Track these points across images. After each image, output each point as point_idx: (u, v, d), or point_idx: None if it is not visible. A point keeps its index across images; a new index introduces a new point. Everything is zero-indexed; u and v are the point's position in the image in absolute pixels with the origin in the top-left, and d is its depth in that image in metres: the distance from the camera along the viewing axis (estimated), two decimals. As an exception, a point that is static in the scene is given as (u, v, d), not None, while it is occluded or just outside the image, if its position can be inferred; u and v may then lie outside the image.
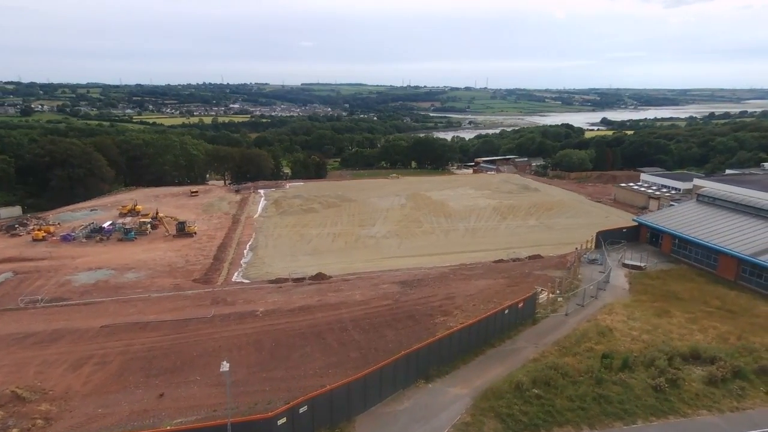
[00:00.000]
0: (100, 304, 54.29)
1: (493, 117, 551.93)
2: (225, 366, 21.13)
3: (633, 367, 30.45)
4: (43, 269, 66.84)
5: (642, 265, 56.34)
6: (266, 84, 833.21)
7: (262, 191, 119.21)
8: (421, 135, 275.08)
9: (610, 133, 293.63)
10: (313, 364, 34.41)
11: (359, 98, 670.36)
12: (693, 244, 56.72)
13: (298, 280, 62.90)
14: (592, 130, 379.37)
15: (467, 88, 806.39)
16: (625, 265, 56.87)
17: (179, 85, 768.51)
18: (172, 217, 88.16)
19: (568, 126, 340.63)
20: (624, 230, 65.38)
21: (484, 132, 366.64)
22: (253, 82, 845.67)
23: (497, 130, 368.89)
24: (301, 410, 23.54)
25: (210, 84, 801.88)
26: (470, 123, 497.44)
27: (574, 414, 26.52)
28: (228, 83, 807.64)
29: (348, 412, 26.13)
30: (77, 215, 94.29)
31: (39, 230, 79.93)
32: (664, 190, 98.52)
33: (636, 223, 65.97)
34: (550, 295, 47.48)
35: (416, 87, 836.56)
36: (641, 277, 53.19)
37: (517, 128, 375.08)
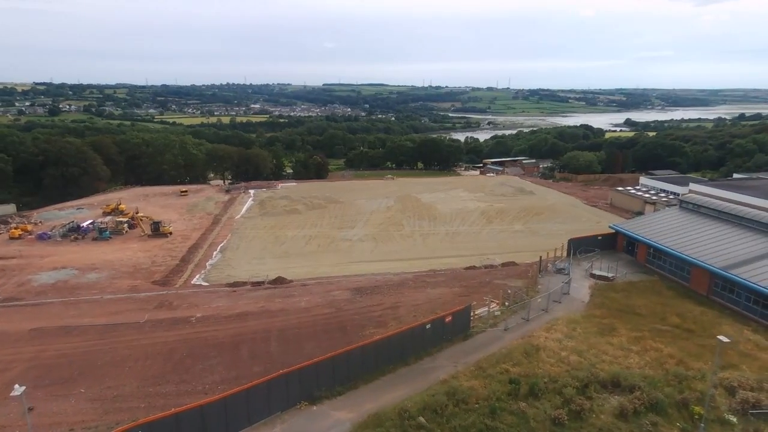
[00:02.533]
0: (48, 306, 53.59)
1: (514, 118, 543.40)
2: (17, 390, 19.23)
3: (540, 395, 27.46)
4: (9, 268, 66.92)
5: (610, 276, 52.63)
6: (288, 84, 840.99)
7: (252, 191, 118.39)
8: (434, 136, 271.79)
9: (630, 134, 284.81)
10: (210, 378, 32.50)
11: (379, 98, 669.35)
12: (667, 255, 52.70)
13: (257, 284, 61.30)
14: (614, 131, 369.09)
15: (489, 89, 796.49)
16: (592, 276, 53.35)
17: (203, 85, 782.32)
18: (148, 217, 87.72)
19: (586, 127, 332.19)
20: (599, 238, 61.46)
21: (500, 133, 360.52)
22: (275, 83, 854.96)
23: (515, 131, 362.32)
24: (134, 436, 21.53)
25: (233, 84, 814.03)
26: (489, 124, 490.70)
27: (451, 448, 23.82)
28: (250, 84, 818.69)
29: (204, 437, 24.00)
30: (62, 214, 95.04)
31: (15, 228, 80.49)
32: (662, 194, 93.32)
33: (613, 231, 61.99)
34: (499, 307, 44.53)
35: (437, 87, 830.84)
36: (606, 289, 49.55)
37: (535, 129, 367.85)
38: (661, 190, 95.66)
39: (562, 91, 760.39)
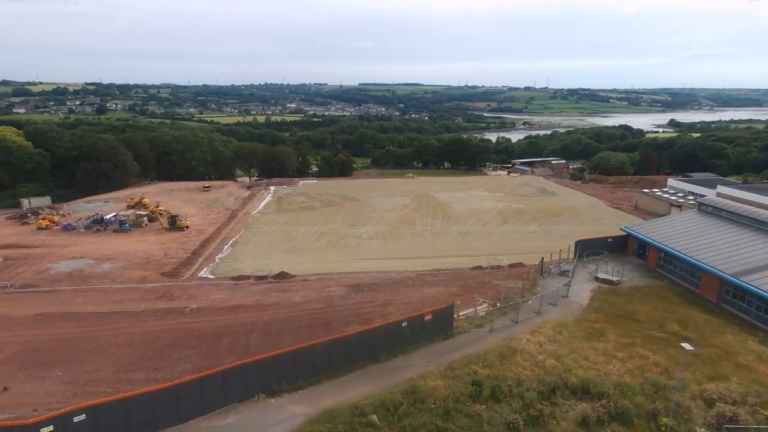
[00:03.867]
0: (58, 293, 55.78)
1: (551, 118, 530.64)
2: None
3: (501, 398, 26.43)
4: (32, 256, 70.21)
5: (614, 279, 50.48)
6: (324, 84, 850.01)
7: (272, 188, 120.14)
8: (464, 136, 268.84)
9: (672, 135, 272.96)
10: (182, 368, 32.94)
11: (414, 98, 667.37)
12: (677, 259, 50.03)
13: (260, 278, 61.96)
14: (656, 132, 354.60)
15: (527, 88, 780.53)
16: (596, 279, 51.26)
17: (242, 85, 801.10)
18: (167, 211, 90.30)
19: (625, 127, 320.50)
20: (609, 240, 59.02)
21: (535, 133, 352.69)
22: (312, 83, 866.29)
23: (550, 132, 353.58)
24: (77, 419, 21.98)
25: (271, 84, 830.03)
26: (525, 124, 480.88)
27: (396, 447, 23.20)
28: (288, 84, 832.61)
29: (153, 424, 24.28)
30: (89, 206, 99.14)
31: (43, 219, 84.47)
32: (690, 197, 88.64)
33: (624, 233, 59.36)
34: (488, 307, 43.35)
35: (473, 87, 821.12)
36: (608, 293, 47.53)
37: (571, 129, 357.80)
38: (689, 192, 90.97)
39: (603, 90, 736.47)
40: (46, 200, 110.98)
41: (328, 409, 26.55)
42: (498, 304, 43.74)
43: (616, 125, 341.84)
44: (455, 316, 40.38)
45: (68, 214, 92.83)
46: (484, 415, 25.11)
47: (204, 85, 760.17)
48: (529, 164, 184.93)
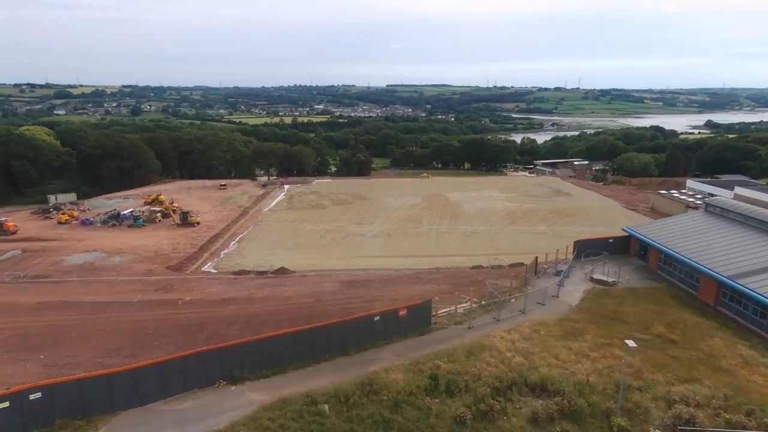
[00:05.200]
0: (66, 284, 58.04)
1: (581, 119, 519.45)
2: None
3: (456, 393, 26.22)
4: (48, 249, 73.34)
5: (610, 280, 49.20)
6: (352, 86, 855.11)
7: (286, 187, 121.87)
8: (488, 136, 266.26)
9: (705, 136, 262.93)
10: (157, 354, 33.69)
11: (442, 99, 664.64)
12: (677, 261, 48.35)
13: (260, 273, 63.02)
14: (691, 133, 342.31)
15: (557, 89, 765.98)
16: (591, 280, 50.10)
17: (272, 87, 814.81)
18: (179, 207, 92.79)
19: (657, 128, 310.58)
20: (610, 240, 57.51)
21: (562, 134, 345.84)
22: (340, 84, 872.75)
23: (578, 133, 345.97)
24: (32, 396, 23.00)
25: (299, 86, 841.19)
26: (553, 125, 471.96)
27: (339, 437, 23.33)
28: (316, 85, 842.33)
29: (111, 405, 25.16)
30: (110, 202, 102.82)
31: (63, 214, 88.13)
32: (709, 198, 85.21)
33: (626, 234, 57.73)
34: (470, 305, 42.97)
35: (502, 87, 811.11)
36: (600, 294, 46.37)
37: (600, 130, 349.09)
38: (708, 194, 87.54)
39: (638, 91, 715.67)
40: (71, 196, 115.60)
41: (283, 397, 26.92)
42: (483, 302, 43.33)
43: (648, 126, 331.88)
44: (435, 312, 40.33)
45: (88, 209, 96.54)
46: (433, 408, 24.98)
47: (235, 87, 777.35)
48: (551, 165, 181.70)
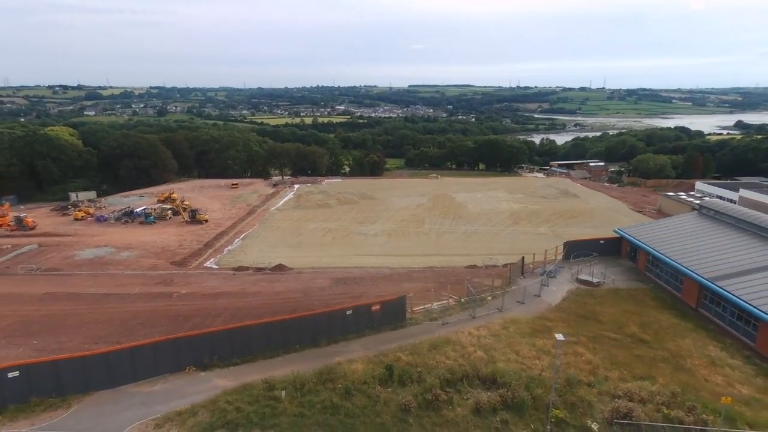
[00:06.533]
0: (74, 277, 61.10)
1: (605, 119, 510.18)
2: None
3: (407, 383, 27.35)
4: (63, 244, 76.99)
5: (595, 281, 49.48)
6: (374, 86, 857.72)
7: (296, 186, 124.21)
8: (508, 137, 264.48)
9: (738, 137, 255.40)
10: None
11: (463, 99, 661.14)
12: (662, 263, 48.34)
13: (259, 270, 65.08)
14: (720, 134, 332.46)
15: (582, 89, 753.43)
16: (577, 280, 50.41)
17: (294, 88, 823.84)
18: (188, 205, 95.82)
19: (682, 129, 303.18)
20: (601, 242, 57.57)
21: (584, 135, 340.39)
22: (362, 85, 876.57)
23: (600, 133, 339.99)
24: (11, 375, 25.09)
25: (322, 87, 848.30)
26: (576, 125, 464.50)
27: (288, 419, 24.71)
28: (338, 86, 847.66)
29: (85, 385, 27.13)
30: (125, 200, 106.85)
31: (79, 211, 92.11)
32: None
33: (617, 235, 57.66)
34: (448, 302, 43.92)
35: (525, 88, 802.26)
36: (583, 294, 46.80)
37: (623, 131, 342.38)
38: (716, 195, 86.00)
39: (666, 90, 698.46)
40: (91, 194, 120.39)
41: (245, 383, 28.49)
42: (462, 300, 44.19)
43: (673, 126, 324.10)
44: (411, 309, 41.43)
45: (104, 206, 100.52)
46: (382, 396, 26.16)
47: (258, 88, 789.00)
48: (567, 166, 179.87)
